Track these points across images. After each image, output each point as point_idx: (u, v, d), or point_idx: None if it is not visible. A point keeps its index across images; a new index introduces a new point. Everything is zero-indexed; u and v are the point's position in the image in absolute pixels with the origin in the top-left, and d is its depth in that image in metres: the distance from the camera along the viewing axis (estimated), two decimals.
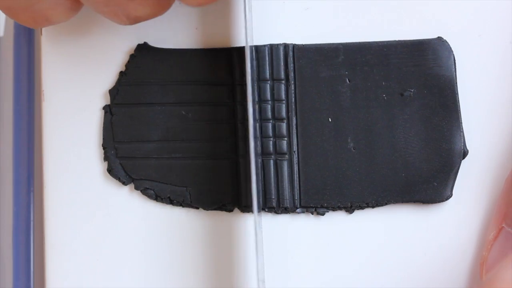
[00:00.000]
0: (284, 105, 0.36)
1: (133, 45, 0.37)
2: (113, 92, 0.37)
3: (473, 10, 0.37)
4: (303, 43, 0.36)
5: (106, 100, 0.37)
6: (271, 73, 0.36)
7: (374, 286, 0.36)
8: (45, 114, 0.37)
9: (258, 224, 0.34)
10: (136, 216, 0.36)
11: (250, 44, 0.35)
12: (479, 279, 0.35)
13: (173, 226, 0.36)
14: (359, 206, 0.36)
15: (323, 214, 0.36)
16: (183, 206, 0.36)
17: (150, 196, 0.36)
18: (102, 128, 0.37)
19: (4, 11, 0.34)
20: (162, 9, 0.33)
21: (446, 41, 0.36)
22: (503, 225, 0.34)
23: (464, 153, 0.36)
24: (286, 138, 0.36)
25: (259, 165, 0.36)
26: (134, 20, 0.33)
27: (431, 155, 0.36)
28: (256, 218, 0.34)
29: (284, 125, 0.36)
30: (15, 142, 0.39)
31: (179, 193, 0.36)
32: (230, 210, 0.36)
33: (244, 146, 0.36)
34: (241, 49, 0.36)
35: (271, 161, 0.36)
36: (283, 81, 0.36)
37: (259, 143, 0.36)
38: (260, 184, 0.36)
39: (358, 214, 0.36)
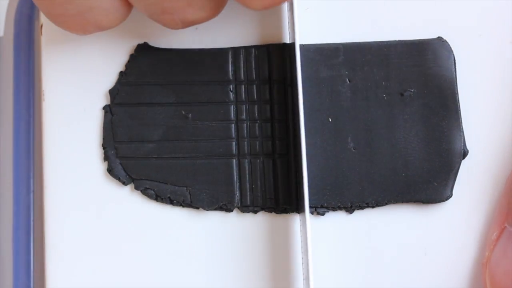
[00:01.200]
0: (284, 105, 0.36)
1: (133, 45, 0.37)
2: (113, 92, 0.37)
3: (473, 10, 0.37)
4: (303, 43, 0.36)
5: (106, 100, 0.37)
6: (271, 73, 0.36)
7: (374, 286, 0.36)
8: (45, 114, 0.37)
9: (304, 226, 0.34)
10: (136, 216, 0.36)
11: (298, 43, 0.35)
12: (480, 279, 0.36)
13: (173, 226, 0.36)
14: (359, 206, 0.36)
15: (323, 214, 0.36)
16: (183, 206, 0.36)
17: (150, 196, 0.36)
18: (102, 128, 0.37)
19: (52, 19, 0.33)
20: (217, 11, 0.33)
21: (446, 41, 0.36)
22: (505, 225, 0.34)
23: (464, 153, 0.36)
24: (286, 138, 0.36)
25: (253, 165, 0.36)
26: (189, 24, 0.33)
27: (431, 155, 0.36)
28: (308, 219, 0.34)
29: (284, 126, 0.36)
30: (15, 142, 0.39)
31: (179, 193, 0.36)
32: (230, 210, 0.36)
33: (244, 146, 0.36)
34: (241, 49, 0.36)
35: (271, 161, 0.36)
36: (283, 81, 0.36)
37: (257, 143, 0.36)
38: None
39: (358, 214, 0.36)
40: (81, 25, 0.33)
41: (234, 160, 0.36)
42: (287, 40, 0.37)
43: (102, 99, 0.37)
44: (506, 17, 0.37)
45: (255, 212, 0.36)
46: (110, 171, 0.36)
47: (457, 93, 0.36)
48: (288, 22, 0.37)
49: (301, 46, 0.36)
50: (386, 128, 0.36)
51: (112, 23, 0.33)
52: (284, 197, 0.36)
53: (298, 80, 0.34)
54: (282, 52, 0.36)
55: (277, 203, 0.36)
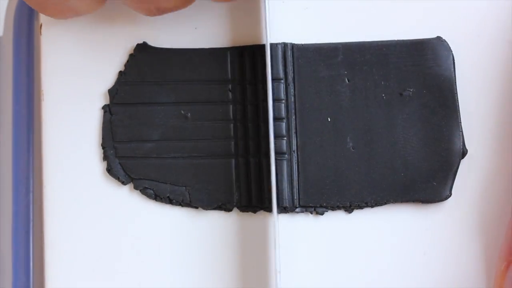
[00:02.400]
0: (283, 105, 0.36)
1: (132, 44, 0.37)
2: (113, 92, 0.37)
3: (472, 9, 0.37)
4: (302, 43, 0.36)
5: (106, 100, 0.37)
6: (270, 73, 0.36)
7: (373, 286, 0.36)
8: (44, 114, 0.37)
9: (276, 220, 0.34)
10: (135, 216, 0.36)
11: (269, 42, 0.35)
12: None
13: (172, 226, 0.36)
14: (358, 205, 0.36)
15: (322, 214, 0.36)
16: (182, 206, 0.36)
17: (149, 196, 0.36)
18: (101, 128, 0.37)
19: (32, 5, 0.34)
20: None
21: (445, 41, 0.36)
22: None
23: (463, 153, 0.36)
24: (285, 138, 0.36)
25: (252, 164, 0.36)
26: (163, 11, 0.34)
27: (430, 154, 0.36)
28: (275, 214, 0.34)
29: (283, 125, 0.36)
30: (14, 142, 0.39)
31: (178, 192, 0.36)
32: (229, 210, 0.36)
33: (243, 145, 0.36)
34: (240, 49, 0.37)
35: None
36: (282, 81, 0.36)
37: (256, 142, 0.36)
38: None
39: (357, 214, 0.36)
40: (60, 11, 0.34)
41: (233, 160, 0.36)
42: (287, 40, 0.37)
43: (101, 99, 0.37)
44: (505, 17, 0.37)
45: (254, 211, 0.36)
46: (109, 170, 0.36)
47: (456, 93, 0.36)
48: (287, 23, 0.37)
49: (301, 45, 0.36)
50: (385, 127, 0.36)
51: (89, 9, 0.34)
52: (284, 196, 0.36)
53: (268, 80, 0.35)
54: (282, 51, 0.36)
55: (277, 202, 0.36)
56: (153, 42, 0.37)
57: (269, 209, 0.36)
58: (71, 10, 0.34)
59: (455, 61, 0.36)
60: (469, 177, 0.36)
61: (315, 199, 0.36)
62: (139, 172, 0.36)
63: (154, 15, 0.34)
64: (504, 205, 0.36)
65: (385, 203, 0.36)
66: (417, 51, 0.36)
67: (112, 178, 0.36)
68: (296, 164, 0.36)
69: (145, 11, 0.34)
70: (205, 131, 0.36)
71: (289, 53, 0.36)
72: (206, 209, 0.36)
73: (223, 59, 0.36)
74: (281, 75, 0.36)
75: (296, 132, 0.36)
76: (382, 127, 0.36)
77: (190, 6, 0.35)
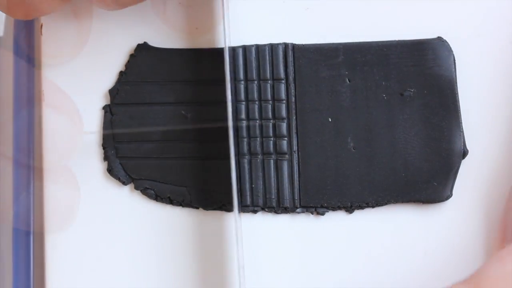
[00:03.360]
0: (284, 105, 0.36)
1: (133, 45, 0.37)
2: (113, 92, 0.37)
3: (473, 10, 0.37)
4: (303, 43, 0.36)
5: (106, 100, 0.37)
6: (271, 73, 0.36)
7: (373, 286, 0.36)
8: (45, 114, 0.37)
9: (237, 215, 0.34)
10: (136, 216, 0.36)
11: (228, 44, 0.35)
12: None
13: (173, 226, 0.36)
14: (359, 206, 0.36)
15: (323, 214, 0.36)
16: (183, 206, 0.36)
17: (150, 196, 0.36)
18: (102, 128, 0.37)
19: None
20: None
21: (446, 41, 0.36)
22: (505, 244, 0.34)
23: (464, 153, 0.36)
24: (286, 138, 0.36)
25: (252, 164, 0.36)
26: (122, 5, 0.34)
27: (431, 155, 0.36)
28: (236, 209, 0.34)
29: (284, 125, 0.36)
30: (15, 142, 0.39)
31: (179, 193, 0.36)
32: (230, 210, 0.36)
33: (243, 146, 0.36)
34: (241, 49, 0.36)
35: (271, 161, 0.36)
36: (283, 81, 0.36)
37: (257, 142, 0.36)
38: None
39: (358, 214, 0.36)
40: (23, 11, 0.34)
41: (233, 160, 0.36)
42: (287, 40, 0.37)
43: (102, 99, 0.37)
44: (506, 17, 0.37)
45: (255, 212, 0.36)
46: (110, 171, 0.36)
47: (457, 93, 0.36)
48: (287, 23, 0.37)
49: (301, 46, 0.36)
50: (386, 128, 0.36)
51: (52, 8, 0.34)
52: (285, 197, 0.36)
53: (227, 81, 0.35)
54: (283, 51, 0.36)
55: (278, 203, 0.36)
56: (154, 42, 0.37)
57: (270, 210, 0.36)
58: (35, 10, 0.34)
59: (456, 61, 0.36)
60: (470, 177, 0.36)
61: (315, 199, 0.36)
62: (140, 172, 0.36)
63: (114, 9, 0.34)
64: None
65: (386, 204, 0.36)
66: (418, 51, 0.36)
67: (113, 179, 0.36)
68: (296, 164, 0.36)
69: (104, 6, 0.34)
70: (205, 131, 0.36)
71: (290, 53, 0.36)
72: (207, 210, 0.36)
73: (223, 59, 0.36)
74: (282, 75, 0.36)
75: (296, 132, 0.36)
76: (383, 127, 0.36)
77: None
